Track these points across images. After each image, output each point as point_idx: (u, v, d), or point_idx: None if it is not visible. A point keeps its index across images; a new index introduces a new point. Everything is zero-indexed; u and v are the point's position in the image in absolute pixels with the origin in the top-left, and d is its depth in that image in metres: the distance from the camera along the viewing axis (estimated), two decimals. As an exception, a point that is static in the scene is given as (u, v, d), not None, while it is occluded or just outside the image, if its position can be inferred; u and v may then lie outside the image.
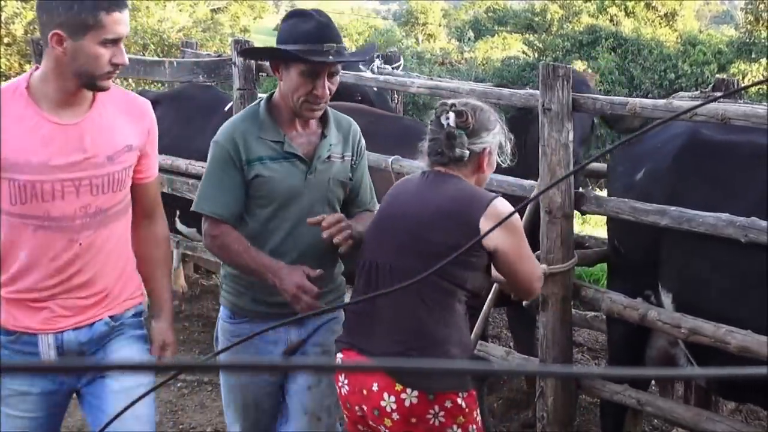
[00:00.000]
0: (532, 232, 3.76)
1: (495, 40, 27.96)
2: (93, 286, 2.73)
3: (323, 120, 3.04)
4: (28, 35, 15.12)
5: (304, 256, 2.96)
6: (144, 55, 16.91)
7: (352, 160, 3.11)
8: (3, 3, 16.40)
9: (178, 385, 5.05)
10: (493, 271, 2.82)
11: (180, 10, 21.33)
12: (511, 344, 5.33)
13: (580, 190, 3.81)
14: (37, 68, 2.63)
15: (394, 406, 2.61)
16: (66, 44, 2.50)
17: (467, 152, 2.75)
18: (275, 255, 2.95)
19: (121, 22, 2.54)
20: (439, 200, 2.73)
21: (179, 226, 6.04)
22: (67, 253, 2.66)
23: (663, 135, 3.76)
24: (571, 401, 4.01)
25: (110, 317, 2.79)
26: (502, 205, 2.72)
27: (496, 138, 2.84)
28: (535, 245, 3.70)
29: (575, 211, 3.84)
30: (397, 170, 4.27)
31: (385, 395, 2.62)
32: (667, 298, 3.56)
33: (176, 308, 6.69)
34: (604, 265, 4.62)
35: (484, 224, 2.62)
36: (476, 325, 3.88)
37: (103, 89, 2.63)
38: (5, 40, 16.93)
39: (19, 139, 2.54)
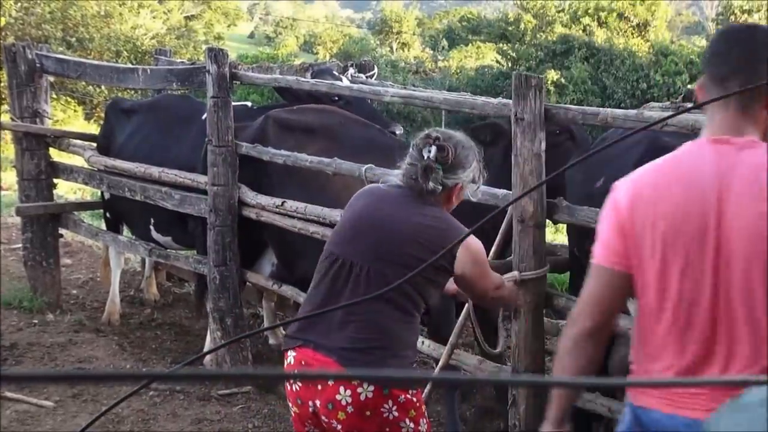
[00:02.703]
0: (509, 240, 3.80)
1: (469, 49, 28.13)
2: None
3: None
4: None
5: None
6: (117, 62, 16.83)
7: None
8: (-26, 9, 16.22)
9: (150, 393, 5.00)
10: (449, 283, 3.06)
11: (154, 17, 21.27)
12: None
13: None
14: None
15: (350, 400, 2.77)
16: None
17: (440, 187, 2.91)
18: None
19: None
20: (420, 219, 2.91)
21: (154, 234, 6.03)
22: None
23: (622, 142, 3.78)
24: (544, 409, 4.01)
25: None
26: (474, 241, 2.96)
27: (470, 175, 3.00)
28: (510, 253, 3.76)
29: (547, 220, 3.87)
30: (370, 179, 4.28)
31: (341, 389, 2.77)
32: (632, 306, 3.57)
33: (148, 317, 6.66)
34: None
35: (461, 253, 2.87)
36: (452, 334, 3.90)
37: None
38: (-24, 46, 16.71)
39: None
